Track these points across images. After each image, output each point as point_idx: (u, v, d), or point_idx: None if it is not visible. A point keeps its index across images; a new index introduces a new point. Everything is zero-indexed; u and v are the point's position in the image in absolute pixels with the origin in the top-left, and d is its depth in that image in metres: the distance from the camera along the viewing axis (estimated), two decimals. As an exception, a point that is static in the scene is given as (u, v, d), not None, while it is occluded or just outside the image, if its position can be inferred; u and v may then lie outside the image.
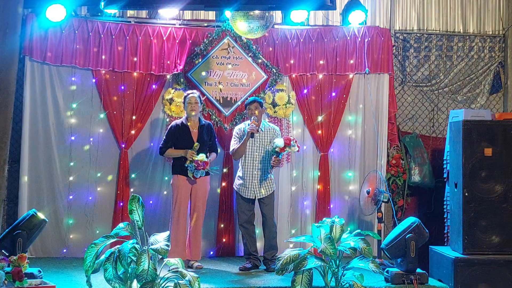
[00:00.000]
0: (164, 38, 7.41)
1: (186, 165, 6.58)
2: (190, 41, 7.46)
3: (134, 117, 7.39)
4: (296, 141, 6.71)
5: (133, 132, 7.39)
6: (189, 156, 6.56)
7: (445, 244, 6.92)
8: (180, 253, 6.48)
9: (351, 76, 7.74)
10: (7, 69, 3.86)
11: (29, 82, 7.20)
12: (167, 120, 7.39)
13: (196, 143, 6.62)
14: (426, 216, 7.65)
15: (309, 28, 7.75)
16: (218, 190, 7.51)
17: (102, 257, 4.98)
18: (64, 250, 7.26)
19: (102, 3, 6.07)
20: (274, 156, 6.67)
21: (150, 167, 7.48)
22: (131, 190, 7.33)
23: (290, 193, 7.70)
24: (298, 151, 7.02)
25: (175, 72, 7.41)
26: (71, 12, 7.24)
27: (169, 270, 5.08)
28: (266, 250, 6.78)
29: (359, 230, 5.89)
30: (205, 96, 7.48)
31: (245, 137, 6.69)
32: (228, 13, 6.96)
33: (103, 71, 7.35)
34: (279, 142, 6.59)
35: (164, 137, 6.82)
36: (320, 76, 7.71)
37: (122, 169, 7.36)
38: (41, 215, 5.92)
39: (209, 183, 6.84)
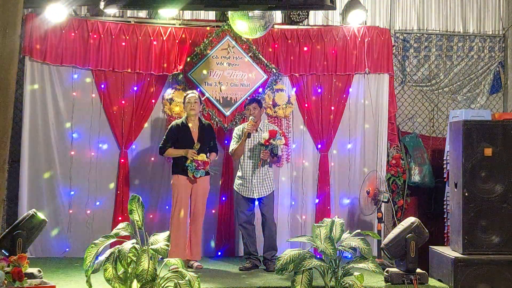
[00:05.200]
0: (164, 38, 7.42)
1: (186, 165, 6.57)
2: (190, 41, 7.47)
3: (134, 117, 7.40)
4: (284, 135, 6.70)
5: (133, 132, 7.39)
6: (190, 155, 6.55)
7: (445, 244, 6.92)
8: (180, 253, 6.47)
9: (351, 76, 7.75)
10: (7, 69, 3.84)
11: (29, 82, 7.21)
12: (167, 120, 7.40)
13: (197, 143, 6.62)
14: (426, 216, 7.65)
15: (309, 28, 7.76)
16: (218, 190, 7.51)
17: (102, 257, 4.98)
18: (65, 250, 7.27)
19: (102, 3, 6.06)
20: (263, 149, 6.68)
21: (150, 167, 7.49)
22: (131, 190, 7.33)
23: (290, 193, 7.71)
24: (286, 144, 7.01)
25: (175, 72, 7.41)
26: (71, 12, 7.25)
27: (169, 270, 5.08)
28: (266, 250, 6.78)
29: (359, 230, 5.88)
30: (205, 96, 7.49)
31: (242, 138, 6.70)
32: (228, 13, 6.96)
33: (103, 71, 7.36)
34: (265, 134, 6.61)
35: (164, 137, 6.81)
36: (320, 76, 7.71)
37: (122, 169, 7.36)
38: (41, 215, 5.92)
39: (209, 183, 6.84)
